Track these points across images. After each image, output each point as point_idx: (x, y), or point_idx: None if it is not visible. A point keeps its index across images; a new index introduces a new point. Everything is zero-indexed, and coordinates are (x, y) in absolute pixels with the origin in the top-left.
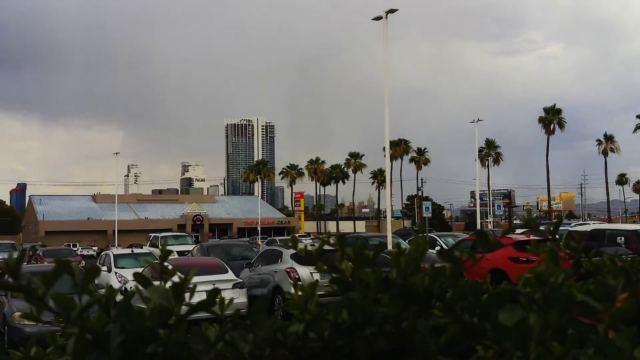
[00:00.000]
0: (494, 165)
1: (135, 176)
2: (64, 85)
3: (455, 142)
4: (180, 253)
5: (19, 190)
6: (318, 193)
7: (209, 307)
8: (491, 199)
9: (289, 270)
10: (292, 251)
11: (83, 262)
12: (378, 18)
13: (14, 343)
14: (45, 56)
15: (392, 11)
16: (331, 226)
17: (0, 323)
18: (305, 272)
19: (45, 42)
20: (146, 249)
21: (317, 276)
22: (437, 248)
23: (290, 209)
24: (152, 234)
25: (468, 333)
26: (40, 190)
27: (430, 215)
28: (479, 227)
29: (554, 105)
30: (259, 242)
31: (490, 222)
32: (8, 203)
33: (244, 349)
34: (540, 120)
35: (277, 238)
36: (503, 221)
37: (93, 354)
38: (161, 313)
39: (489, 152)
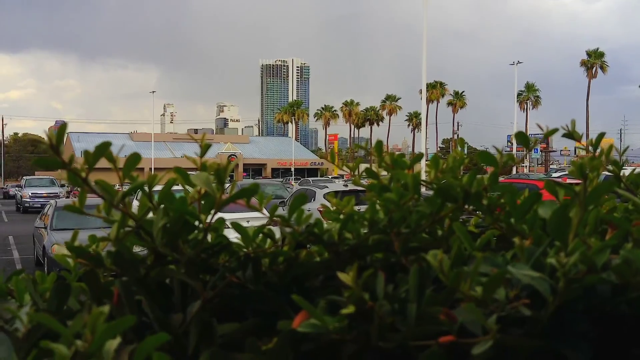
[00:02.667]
0: (532, 108)
1: (172, 115)
2: (101, 23)
3: (494, 85)
4: None
5: (58, 127)
6: (352, 135)
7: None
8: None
9: (321, 209)
10: (325, 190)
11: None
12: None
13: None
14: None
15: None
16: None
17: (40, 255)
18: None
19: None
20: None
21: None
22: None
23: (323, 150)
24: (189, 172)
25: (506, 234)
26: (79, 127)
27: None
28: (514, 171)
29: (597, 48)
30: (292, 183)
31: (526, 166)
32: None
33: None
34: (583, 63)
35: (310, 179)
36: (539, 166)
37: (135, 238)
38: (204, 198)
39: (528, 96)
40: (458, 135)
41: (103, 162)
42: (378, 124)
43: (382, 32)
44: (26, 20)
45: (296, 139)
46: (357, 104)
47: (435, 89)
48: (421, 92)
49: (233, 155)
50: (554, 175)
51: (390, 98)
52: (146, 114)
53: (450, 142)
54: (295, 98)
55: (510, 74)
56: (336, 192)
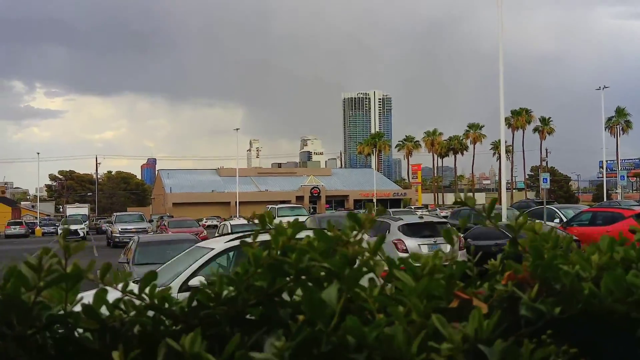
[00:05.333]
0: (623, 133)
1: (257, 150)
2: (188, 66)
3: (583, 111)
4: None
5: (150, 165)
6: (435, 165)
7: None
8: (620, 169)
9: (396, 241)
10: (400, 222)
11: (205, 232)
12: None
13: None
14: (171, 38)
15: None
16: (449, 198)
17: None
18: (413, 243)
19: (170, 24)
20: None
21: (424, 248)
22: (556, 220)
23: (407, 181)
24: (270, 206)
25: None
26: (168, 164)
27: (548, 186)
28: (605, 199)
29: None
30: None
31: (619, 192)
32: (139, 177)
33: None
34: None
35: (390, 210)
36: (633, 192)
37: None
38: None
39: (618, 120)
40: (547, 162)
41: (196, 197)
42: (462, 153)
43: (464, 59)
44: (119, 65)
45: (378, 170)
46: (440, 133)
47: (520, 116)
48: (505, 119)
49: (315, 187)
50: None
51: (473, 127)
52: (232, 149)
53: (539, 169)
54: (377, 129)
55: (598, 99)
56: (409, 225)
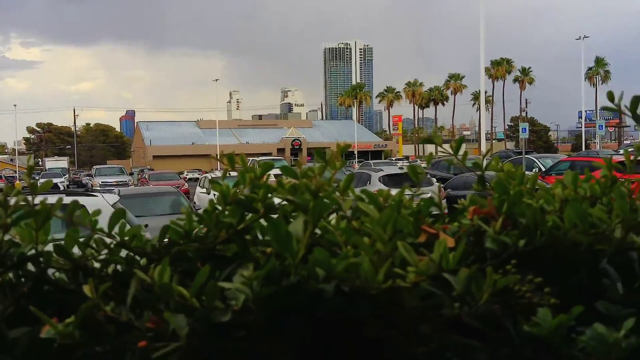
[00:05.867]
0: (602, 83)
1: (238, 102)
2: (168, 13)
3: (563, 61)
4: (277, 176)
5: (128, 117)
6: (416, 116)
7: None
8: (598, 119)
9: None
10: (381, 174)
11: (186, 184)
12: None
13: None
14: None
15: None
16: (429, 149)
17: None
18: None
19: None
20: None
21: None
22: (535, 170)
23: (388, 132)
24: (251, 158)
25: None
26: (148, 116)
27: (527, 136)
28: (584, 148)
29: None
30: (355, 166)
31: (597, 142)
32: (118, 129)
33: None
34: None
35: (372, 162)
36: (612, 142)
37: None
38: None
39: (597, 70)
40: (527, 112)
41: (177, 150)
42: (443, 104)
43: (447, 9)
44: (95, 13)
45: (359, 122)
46: (421, 84)
47: (500, 66)
48: (486, 69)
49: (297, 140)
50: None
51: (454, 77)
52: (213, 101)
53: (518, 119)
54: (358, 80)
55: (578, 49)
56: (390, 176)
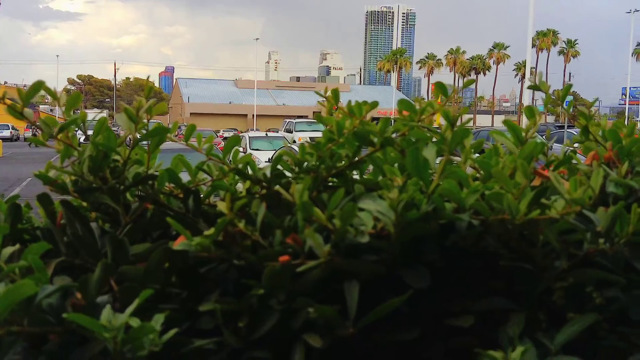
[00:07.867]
0: None
1: (276, 62)
2: None
3: (610, 35)
4: (312, 139)
5: (168, 73)
6: (456, 84)
7: None
8: None
9: None
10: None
11: (222, 143)
12: None
13: None
14: None
15: None
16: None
17: None
18: None
19: None
20: (280, 133)
21: None
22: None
23: (426, 100)
24: (287, 120)
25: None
26: (186, 73)
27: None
28: None
29: None
30: None
31: (639, 120)
32: (157, 85)
33: None
34: None
35: None
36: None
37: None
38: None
39: None
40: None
41: (214, 108)
42: (485, 73)
43: None
44: None
45: (398, 89)
46: (463, 52)
47: (546, 37)
48: (531, 40)
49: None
50: None
51: (498, 46)
52: (251, 61)
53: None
54: (399, 46)
55: (628, 23)
56: None
